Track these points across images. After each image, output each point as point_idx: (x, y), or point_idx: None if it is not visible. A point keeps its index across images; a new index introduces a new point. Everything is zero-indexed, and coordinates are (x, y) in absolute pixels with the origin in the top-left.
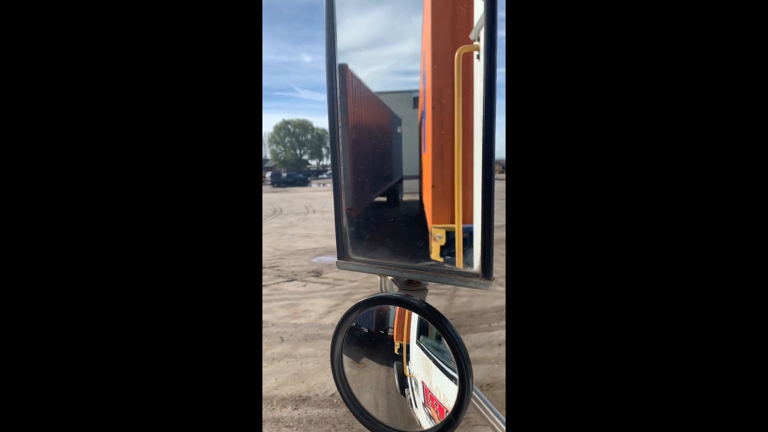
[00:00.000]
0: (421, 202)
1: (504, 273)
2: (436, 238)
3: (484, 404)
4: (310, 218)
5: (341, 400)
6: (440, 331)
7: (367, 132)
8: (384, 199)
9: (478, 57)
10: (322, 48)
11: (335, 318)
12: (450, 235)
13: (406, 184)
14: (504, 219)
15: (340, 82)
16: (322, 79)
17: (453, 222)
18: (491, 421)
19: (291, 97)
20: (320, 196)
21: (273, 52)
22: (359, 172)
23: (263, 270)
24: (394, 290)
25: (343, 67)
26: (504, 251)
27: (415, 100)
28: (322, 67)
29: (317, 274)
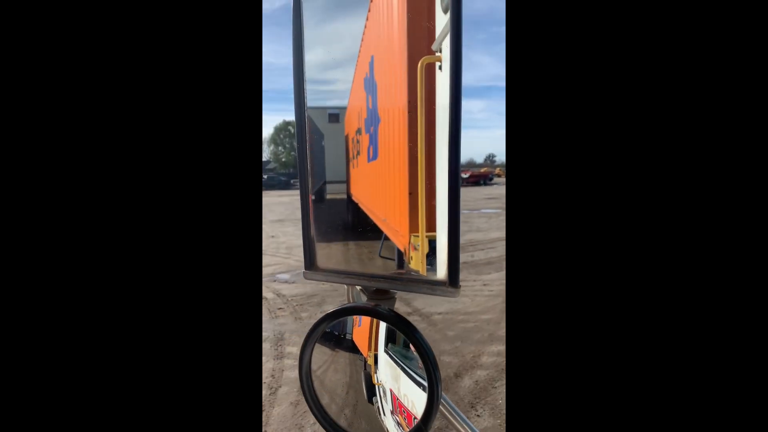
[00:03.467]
0: (349, 203)
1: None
2: (417, 247)
3: (452, 411)
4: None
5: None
6: (409, 339)
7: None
8: (313, 197)
9: (440, 68)
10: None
11: None
12: (432, 244)
13: (329, 187)
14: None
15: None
16: None
17: (431, 230)
18: (459, 428)
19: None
20: (283, 202)
21: (275, 55)
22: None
23: None
24: (362, 300)
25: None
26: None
27: (330, 116)
28: None
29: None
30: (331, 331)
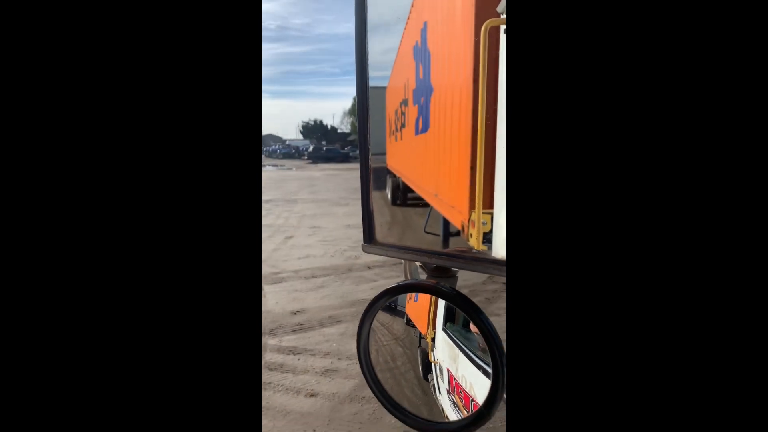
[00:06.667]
0: (388, 174)
1: None
2: (478, 224)
3: None
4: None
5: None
6: (473, 321)
7: None
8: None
9: (506, 32)
10: None
11: None
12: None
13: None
14: None
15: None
16: None
17: (490, 207)
18: None
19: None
20: (314, 176)
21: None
22: None
23: None
24: (420, 276)
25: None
26: None
27: None
28: None
29: None
30: (388, 305)
